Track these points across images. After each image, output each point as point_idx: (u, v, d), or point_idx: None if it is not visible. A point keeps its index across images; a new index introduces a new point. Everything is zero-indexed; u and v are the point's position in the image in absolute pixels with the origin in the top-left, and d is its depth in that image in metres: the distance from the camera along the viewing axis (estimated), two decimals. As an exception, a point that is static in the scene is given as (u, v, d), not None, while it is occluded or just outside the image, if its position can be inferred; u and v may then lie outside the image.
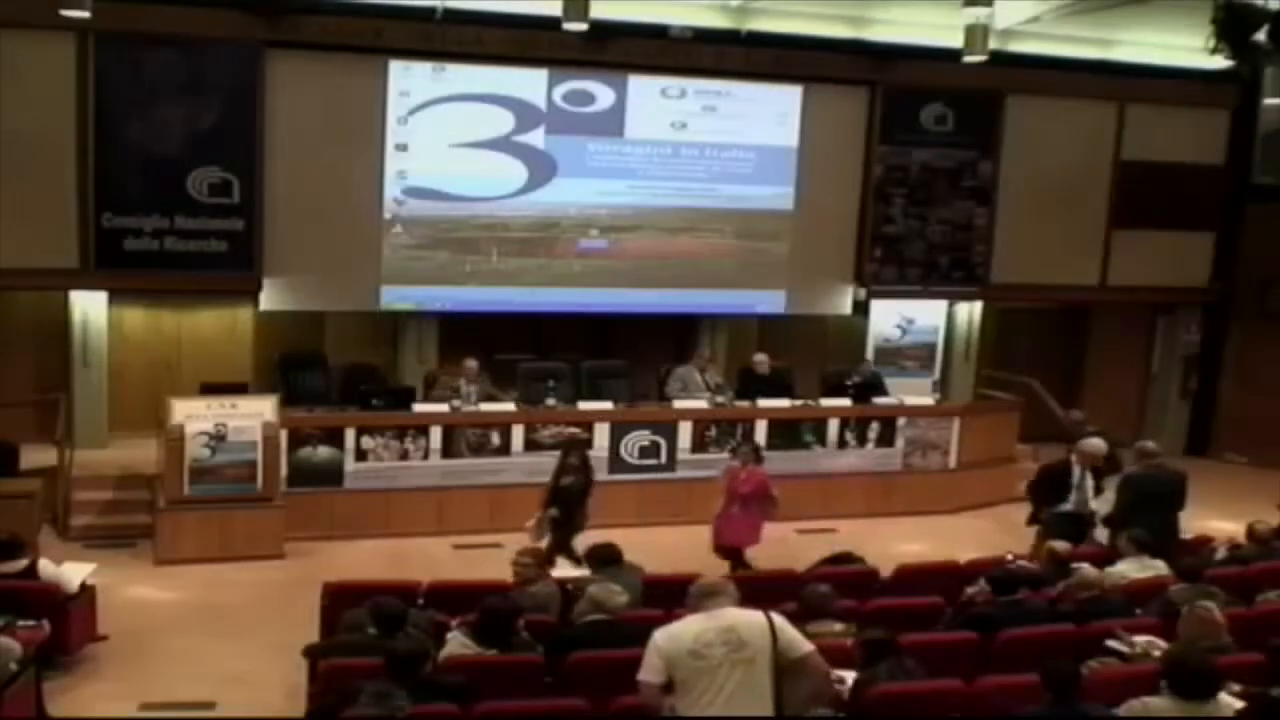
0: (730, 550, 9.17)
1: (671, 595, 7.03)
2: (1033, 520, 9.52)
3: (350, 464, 10.48)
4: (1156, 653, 5.95)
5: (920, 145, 13.48)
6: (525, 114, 12.23)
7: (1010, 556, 8.03)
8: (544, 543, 8.84)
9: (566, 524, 9.08)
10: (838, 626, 6.30)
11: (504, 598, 6.53)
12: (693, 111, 12.71)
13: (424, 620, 6.37)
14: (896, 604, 7.12)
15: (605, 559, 7.17)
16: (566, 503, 9.10)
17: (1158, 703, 4.98)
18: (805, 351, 13.30)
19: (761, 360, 12.19)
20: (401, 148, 11.94)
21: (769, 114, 12.97)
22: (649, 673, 4.53)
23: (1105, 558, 8.01)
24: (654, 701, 4.55)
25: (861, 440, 11.91)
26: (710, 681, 4.44)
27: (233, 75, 11.29)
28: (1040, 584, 7.42)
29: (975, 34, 9.92)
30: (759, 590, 7.31)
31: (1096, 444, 9.34)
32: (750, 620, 4.57)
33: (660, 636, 4.58)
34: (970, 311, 14.32)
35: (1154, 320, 15.44)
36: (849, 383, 12.29)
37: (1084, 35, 13.19)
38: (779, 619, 4.63)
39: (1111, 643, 6.24)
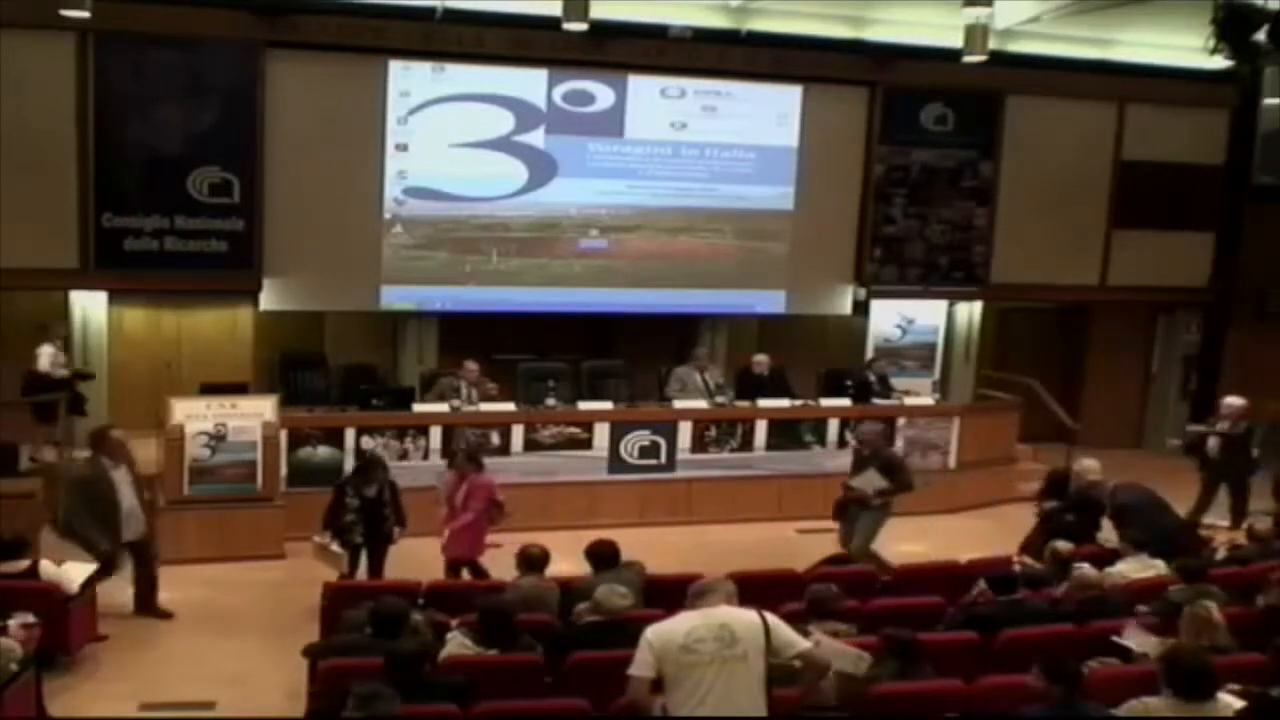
0: (464, 562, 8.67)
1: (672, 595, 7.05)
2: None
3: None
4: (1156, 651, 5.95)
5: (920, 145, 13.49)
6: (525, 114, 12.24)
7: (1016, 559, 8.01)
8: (344, 567, 8.46)
9: (374, 549, 8.59)
10: (841, 626, 6.30)
11: (489, 596, 6.53)
12: (693, 111, 12.72)
13: (424, 621, 6.36)
14: (897, 604, 7.12)
15: (603, 560, 7.14)
16: (373, 522, 8.54)
17: (1157, 703, 4.98)
18: (805, 351, 13.29)
19: (761, 361, 12.20)
20: (401, 148, 11.95)
21: (769, 114, 12.98)
22: (639, 668, 4.53)
23: (1105, 557, 8.01)
24: (643, 699, 4.54)
25: (862, 440, 11.90)
26: (701, 677, 4.44)
27: (233, 75, 11.30)
28: (1041, 584, 7.42)
29: (975, 34, 9.92)
30: (761, 590, 7.36)
31: (1090, 464, 9.33)
32: (743, 618, 4.58)
33: (651, 632, 4.59)
34: (970, 311, 14.33)
35: (1154, 320, 15.45)
36: (871, 379, 12.32)
37: (1084, 35, 13.20)
38: (773, 618, 4.63)
39: (1118, 639, 6.24)
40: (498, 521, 8.77)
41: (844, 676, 5.44)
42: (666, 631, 4.57)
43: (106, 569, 8.11)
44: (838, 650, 5.52)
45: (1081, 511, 8.94)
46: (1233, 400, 11.40)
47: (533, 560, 7.04)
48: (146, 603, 8.45)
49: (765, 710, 4.51)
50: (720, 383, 11.95)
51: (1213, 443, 11.30)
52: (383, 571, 8.60)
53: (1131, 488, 8.92)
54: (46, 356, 10.67)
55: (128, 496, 8.20)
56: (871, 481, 9.37)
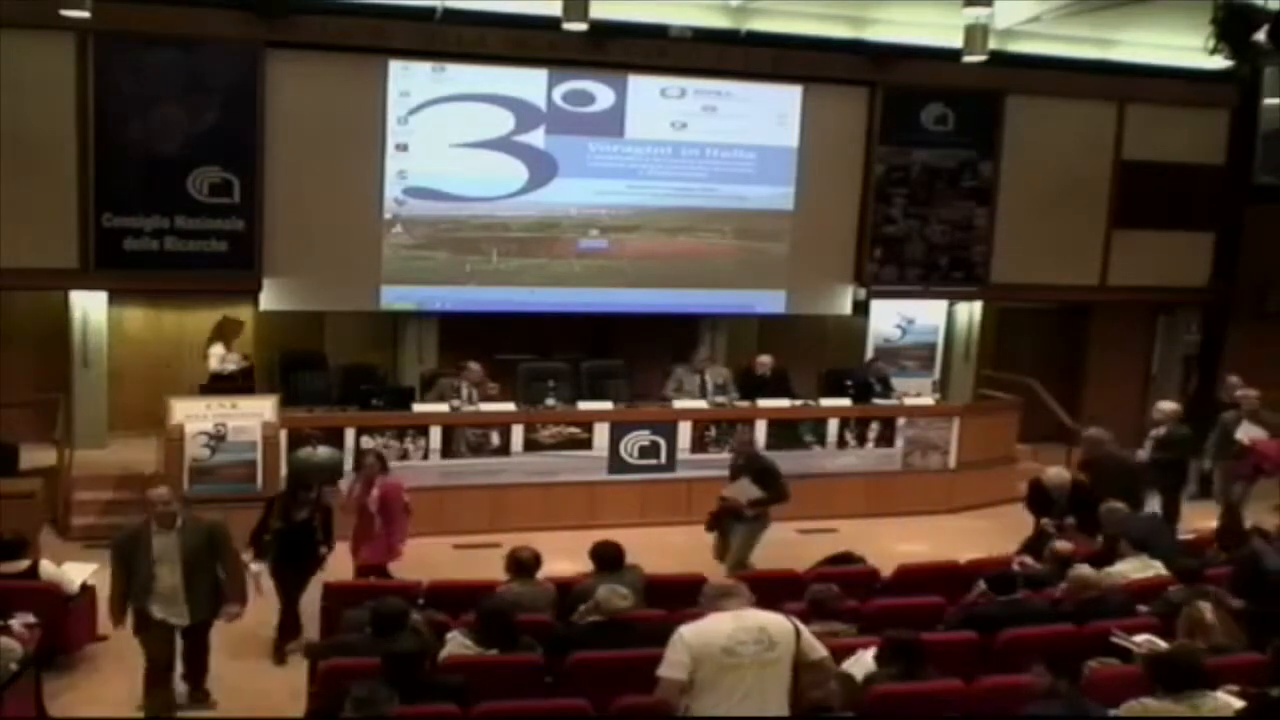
0: (376, 568, 8.33)
1: (672, 595, 7.06)
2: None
3: (350, 464, 10.47)
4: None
5: (920, 145, 13.48)
6: (525, 114, 12.24)
7: (1017, 564, 8.00)
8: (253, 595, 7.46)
9: (297, 575, 7.93)
10: (840, 627, 6.31)
11: (491, 596, 6.50)
12: (693, 111, 12.71)
13: (424, 620, 6.36)
14: (897, 604, 7.12)
15: (608, 561, 7.09)
16: (297, 546, 7.91)
17: (1156, 703, 4.99)
18: (805, 351, 13.29)
19: (765, 361, 12.18)
20: (402, 148, 11.95)
21: (769, 114, 12.98)
22: (673, 669, 4.47)
23: (1105, 558, 8.00)
24: (674, 699, 4.49)
25: (861, 440, 11.91)
26: (739, 680, 4.43)
27: (233, 75, 11.29)
28: (1040, 584, 7.42)
29: (975, 34, 9.92)
30: (762, 590, 7.35)
31: (1057, 471, 9.35)
32: (778, 621, 4.60)
33: (689, 633, 4.53)
34: (970, 311, 14.33)
35: (1154, 320, 15.45)
36: (871, 380, 12.32)
37: (1084, 35, 13.19)
38: (800, 624, 4.68)
39: (1116, 639, 6.24)
40: (406, 523, 8.59)
41: (846, 678, 5.44)
42: (707, 633, 4.52)
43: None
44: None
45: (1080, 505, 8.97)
46: (1165, 404, 11.17)
47: (523, 564, 6.90)
48: (192, 679, 7.19)
49: (789, 712, 4.52)
50: (720, 382, 11.91)
51: (1146, 446, 10.87)
52: (299, 600, 7.95)
53: (1148, 519, 8.95)
54: (215, 357, 11.29)
55: (168, 570, 6.65)
56: (746, 491, 9.09)
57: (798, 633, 4.58)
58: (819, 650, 4.67)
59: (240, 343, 12.02)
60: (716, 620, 4.59)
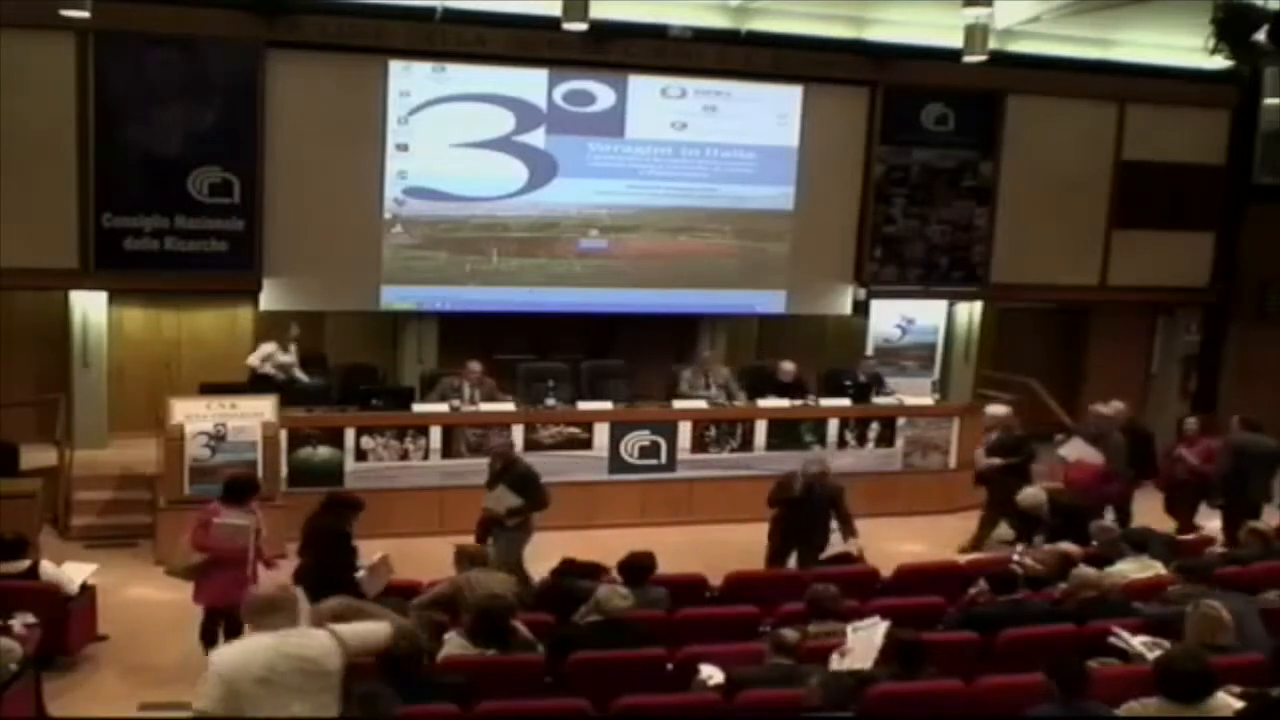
0: (223, 612, 7.39)
1: (673, 596, 7.07)
2: None
3: (350, 464, 10.49)
4: (1157, 652, 5.92)
5: (920, 145, 13.49)
6: (526, 114, 12.24)
7: (1015, 558, 8.01)
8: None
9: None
10: (839, 627, 6.28)
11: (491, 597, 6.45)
12: (693, 111, 12.71)
13: (425, 619, 6.36)
14: (896, 604, 7.12)
15: (637, 574, 6.98)
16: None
17: (1156, 704, 4.98)
18: (805, 351, 13.28)
19: (789, 370, 12.00)
20: (402, 148, 11.95)
21: (769, 114, 12.98)
22: (209, 701, 4.11)
23: (1104, 558, 8.00)
24: None
25: (861, 440, 11.91)
26: (280, 710, 4.16)
27: (233, 75, 11.29)
28: (1040, 584, 7.42)
29: (975, 34, 9.91)
30: (761, 590, 7.37)
31: (1033, 493, 9.29)
32: (323, 644, 4.32)
33: (222, 664, 4.20)
34: (970, 311, 14.33)
35: (1154, 320, 15.45)
36: (862, 379, 12.28)
37: (1084, 35, 13.20)
38: (339, 628, 4.45)
39: (1116, 639, 6.23)
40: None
41: (833, 675, 5.41)
42: (240, 663, 4.18)
43: None
44: (867, 648, 5.52)
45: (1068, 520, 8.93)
46: (993, 408, 10.93)
47: (474, 557, 7.01)
48: None
49: None
50: (720, 382, 11.87)
51: (979, 453, 10.50)
52: None
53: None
54: (257, 354, 11.28)
55: None
56: (503, 500, 8.52)
57: (341, 646, 4.33)
58: (378, 630, 4.55)
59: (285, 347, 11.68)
60: (253, 646, 4.27)
